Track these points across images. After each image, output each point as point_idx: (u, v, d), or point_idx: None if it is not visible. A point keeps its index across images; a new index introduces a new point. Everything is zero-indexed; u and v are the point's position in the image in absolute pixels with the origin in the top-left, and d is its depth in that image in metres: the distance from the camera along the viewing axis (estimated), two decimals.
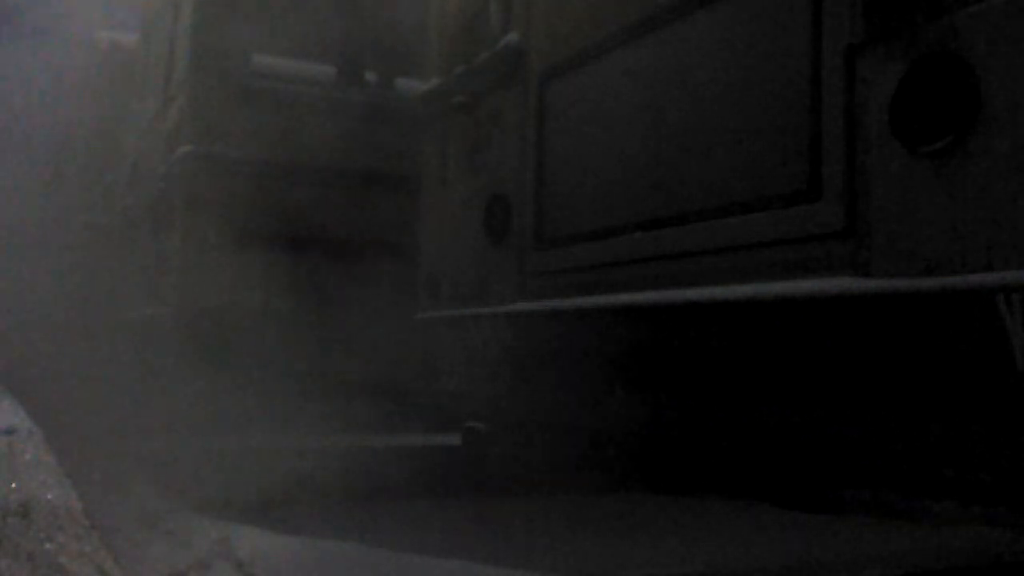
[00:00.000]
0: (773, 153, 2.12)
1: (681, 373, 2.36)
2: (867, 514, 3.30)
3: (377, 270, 5.26)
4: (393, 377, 4.91)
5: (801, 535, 3.12)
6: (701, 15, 2.38)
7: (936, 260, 1.72)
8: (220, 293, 4.85)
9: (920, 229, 1.76)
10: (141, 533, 2.82)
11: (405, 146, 5.01)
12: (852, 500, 3.38)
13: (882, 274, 1.83)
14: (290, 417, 4.26)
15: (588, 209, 2.81)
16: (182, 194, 5.12)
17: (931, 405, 1.72)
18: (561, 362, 2.88)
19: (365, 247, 5.31)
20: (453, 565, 2.63)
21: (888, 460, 1.79)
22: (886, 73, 1.85)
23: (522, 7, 3.20)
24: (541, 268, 3.03)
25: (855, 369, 1.88)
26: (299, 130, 5.22)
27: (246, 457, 3.69)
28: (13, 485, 1.64)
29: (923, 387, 1.73)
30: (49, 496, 1.64)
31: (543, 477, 3.95)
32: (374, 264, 5.29)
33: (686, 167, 2.40)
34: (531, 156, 3.10)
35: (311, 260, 5.20)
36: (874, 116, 1.87)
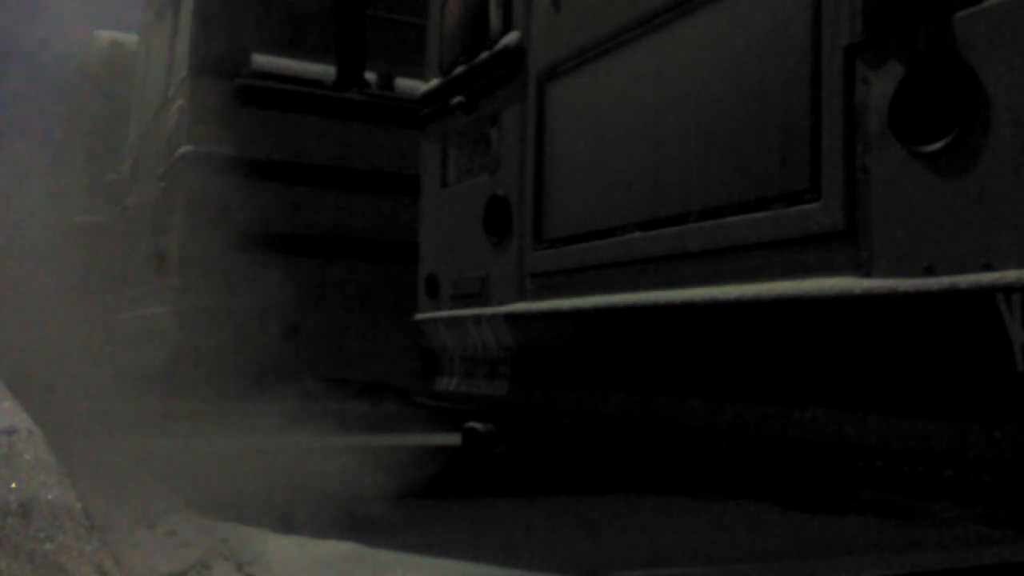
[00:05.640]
0: (773, 153, 2.12)
1: (681, 373, 2.36)
2: (867, 514, 3.31)
3: (377, 270, 5.26)
4: (393, 378, 4.91)
5: (801, 535, 3.12)
6: (701, 15, 2.38)
7: (936, 260, 1.72)
8: (220, 293, 4.85)
9: (920, 229, 1.76)
10: (141, 533, 2.82)
11: (404, 146, 5.02)
12: (852, 500, 3.38)
13: (882, 274, 1.83)
14: (290, 417, 4.26)
15: (588, 209, 2.82)
16: (182, 194, 5.12)
17: (931, 405, 1.72)
18: (560, 363, 2.88)
19: (366, 247, 5.31)
20: (453, 565, 2.64)
21: (888, 460, 1.79)
22: (886, 73, 1.85)
23: (522, 7, 3.20)
24: (541, 268, 3.03)
25: (855, 369, 1.88)
26: (299, 130, 5.22)
27: (246, 457, 3.69)
28: (13, 485, 1.64)
29: (923, 387, 1.73)
30: (49, 496, 1.64)
31: (544, 477, 3.95)
32: (375, 264, 5.29)
33: (686, 167, 2.40)
34: (531, 156, 3.10)
35: (311, 260, 5.20)
36: (874, 116, 1.87)
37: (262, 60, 5.21)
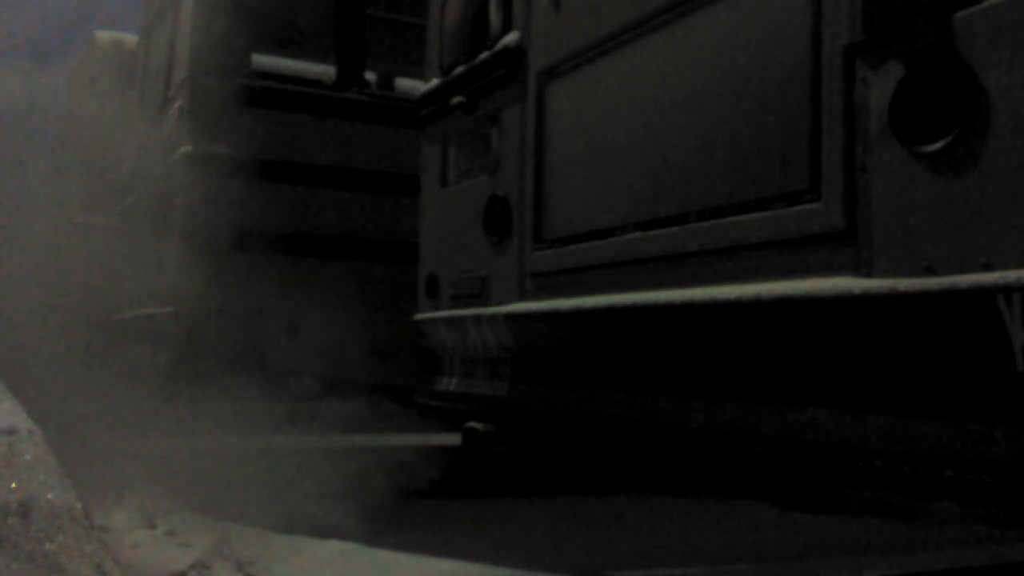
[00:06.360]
0: (773, 153, 2.12)
1: (681, 374, 2.36)
2: (867, 514, 3.31)
3: (377, 270, 5.26)
4: (393, 378, 4.91)
5: (801, 535, 3.12)
6: (701, 15, 2.38)
7: (936, 260, 1.72)
8: (220, 293, 4.85)
9: (920, 229, 1.76)
10: (141, 533, 2.82)
11: (404, 146, 5.02)
12: (852, 500, 3.38)
13: (882, 274, 1.83)
14: (290, 417, 4.26)
15: (588, 209, 2.82)
16: (182, 194, 5.12)
17: (931, 405, 1.72)
18: (560, 363, 2.88)
19: (366, 247, 5.31)
20: (453, 565, 2.63)
21: (888, 460, 1.79)
22: (886, 73, 1.85)
23: (522, 7, 3.20)
24: (541, 268, 3.03)
25: (855, 369, 1.88)
26: (299, 130, 5.22)
27: (246, 457, 3.69)
28: (13, 485, 1.63)
29: (923, 387, 1.73)
30: (49, 496, 1.64)
31: (544, 477, 3.95)
32: (374, 264, 5.29)
33: (686, 167, 2.40)
34: (531, 156, 3.10)
35: (311, 260, 5.20)
36: (874, 116, 1.87)
37: (262, 60, 5.21)
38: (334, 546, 2.76)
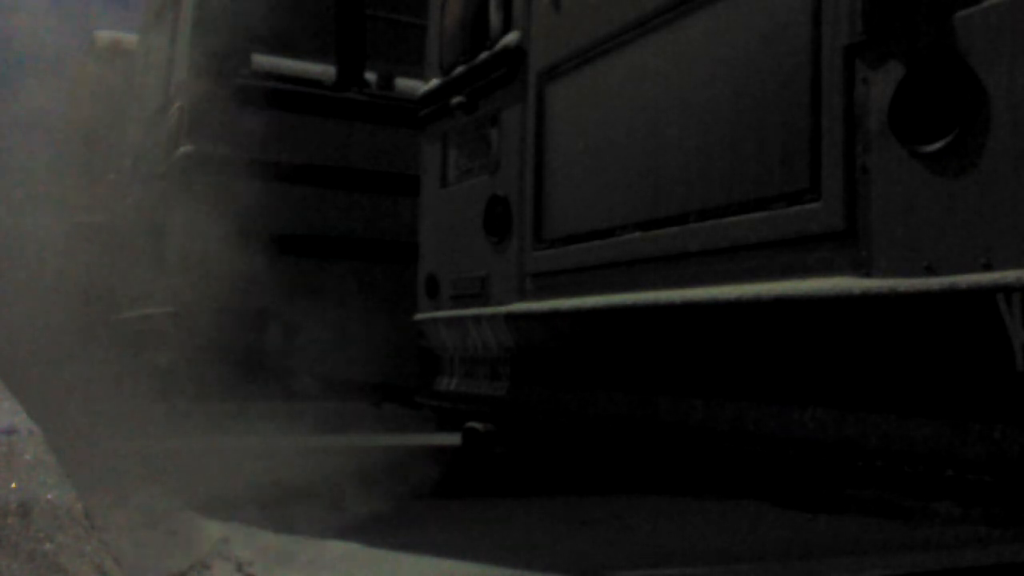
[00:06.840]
0: (773, 153, 2.12)
1: (681, 373, 2.36)
2: (867, 514, 3.31)
3: (377, 270, 5.26)
4: (393, 378, 4.91)
5: (801, 535, 3.12)
6: (701, 15, 2.38)
7: (936, 260, 1.72)
8: (220, 293, 4.84)
9: (920, 229, 1.76)
10: (141, 533, 2.82)
11: (404, 146, 5.02)
12: (852, 500, 3.38)
13: (882, 274, 1.83)
14: (290, 417, 4.26)
15: (588, 209, 2.82)
16: (182, 194, 5.12)
17: (931, 405, 1.72)
18: (560, 363, 2.88)
19: (366, 247, 5.31)
20: (453, 565, 2.64)
21: (888, 460, 1.79)
22: (886, 73, 1.85)
23: (522, 7, 3.20)
24: (541, 268, 3.03)
25: (855, 369, 1.88)
26: (299, 130, 5.22)
27: (246, 457, 3.69)
28: (13, 485, 1.63)
29: (923, 387, 1.73)
30: (49, 496, 1.64)
31: (544, 477, 3.95)
32: (374, 264, 5.28)
33: (685, 167, 2.40)
34: (531, 156, 3.10)
35: (311, 260, 5.19)
36: (874, 116, 1.87)
37: (262, 60, 5.20)
38: (334, 546, 2.76)
